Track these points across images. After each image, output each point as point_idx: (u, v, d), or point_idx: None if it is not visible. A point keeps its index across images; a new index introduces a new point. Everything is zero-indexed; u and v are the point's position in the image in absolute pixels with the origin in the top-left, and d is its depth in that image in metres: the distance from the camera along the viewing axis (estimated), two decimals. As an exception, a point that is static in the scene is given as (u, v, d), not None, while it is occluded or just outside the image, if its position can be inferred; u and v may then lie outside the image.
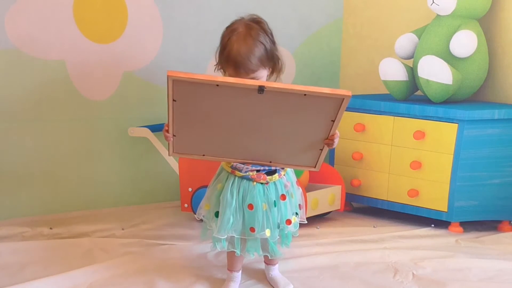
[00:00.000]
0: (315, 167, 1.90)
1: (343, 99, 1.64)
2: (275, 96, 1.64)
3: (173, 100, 1.67)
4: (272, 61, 1.86)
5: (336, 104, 1.66)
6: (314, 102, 1.66)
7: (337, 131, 1.78)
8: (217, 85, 1.61)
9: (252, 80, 1.69)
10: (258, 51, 1.80)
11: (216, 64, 1.90)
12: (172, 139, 1.80)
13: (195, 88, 1.62)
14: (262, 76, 1.84)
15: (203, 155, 1.85)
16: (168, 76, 1.61)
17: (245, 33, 1.81)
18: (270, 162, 1.87)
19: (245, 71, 1.79)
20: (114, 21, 2.77)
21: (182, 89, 1.64)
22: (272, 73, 1.89)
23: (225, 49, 1.82)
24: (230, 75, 1.82)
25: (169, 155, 1.88)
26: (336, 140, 1.79)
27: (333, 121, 1.72)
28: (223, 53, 1.83)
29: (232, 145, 1.81)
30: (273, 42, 1.86)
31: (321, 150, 1.83)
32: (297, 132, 1.77)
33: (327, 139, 1.78)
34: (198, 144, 1.82)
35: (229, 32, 1.84)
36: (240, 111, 1.70)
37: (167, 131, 1.79)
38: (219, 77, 1.64)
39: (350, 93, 1.63)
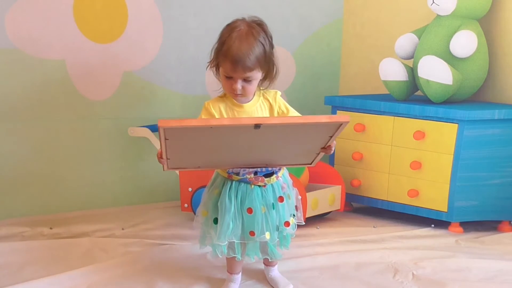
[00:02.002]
0: (311, 163, 1.91)
1: (341, 124, 1.64)
2: (272, 128, 1.61)
3: (166, 139, 1.62)
4: (268, 65, 1.85)
5: (334, 127, 1.67)
6: (313, 128, 1.65)
7: (334, 141, 1.79)
8: (211, 127, 1.57)
9: (246, 118, 1.67)
10: (258, 50, 1.79)
11: (210, 61, 1.87)
12: (165, 163, 1.76)
13: (188, 131, 1.58)
14: (256, 78, 1.82)
15: (198, 167, 1.84)
16: (159, 126, 1.54)
17: (247, 31, 1.80)
18: (266, 164, 1.87)
19: (242, 68, 1.77)
20: (114, 21, 2.77)
21: (175, 133, 1.59)
22: (265, 78, 1.87)
23: (224, 44, 1.80)
24: (225, 71, 1.80)
25: (164, 170, 1.83)
26: (333, 148, 1.81)
27: (331, 136, 1.72)
28: (222, 49, 1.81)
29: (228, 160, 1.81)
30: (271, 46, 1.86)
31: (318, 154, 1.85)
32: (295, 147, 1.78)
33: (323, 148, 1.80)
34: (193, 161, 1.81)
35: (230, 29, 1.82)
36: (236, 142, 1.68)
37: (161, 156, 1.73)
38: (212, 119, 1.62)
39: (348, 119, 1.62)
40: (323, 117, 1.61)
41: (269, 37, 1.85)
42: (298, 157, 1.87)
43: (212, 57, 1.87)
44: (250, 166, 1.85)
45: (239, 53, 1.76)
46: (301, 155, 1.86)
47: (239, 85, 1.80)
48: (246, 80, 1.81)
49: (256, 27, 1.83)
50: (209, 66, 1.88)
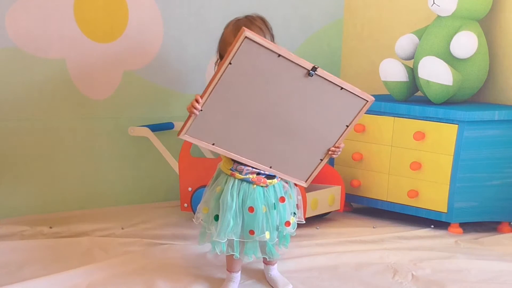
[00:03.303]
0: (306, 181, 1.96)
1: (367, 102, 1.84)
2: (317, 83, 1.76)
3: (229, 63, 1.69)
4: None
5: (358, 107, 1.84)
6: (344, 98, 1.81)
7: (343, 143, 1.89)
8: (279, 56, 1.69)
9: (307, 61, 1.75)
10: (257, 32, 1.84)
11: (217, 59, 1.93)
12: (197, 112, 1.74)
13: (257, 53, 1.68)
14: None
15: (213, 144, 1.82)
16: (243, 29, 1.65)
17: (246, 19, 1.89)
18: (271, 167, 1.88)
19: (255, 25, 1.84)
20: (114, 20, 2.77)
21: (246, 52, 1.68)
22: None
23: (228, 27, 1.88)
24: (227, 44, 1.82)
25: (178, 136, 1.80)
26: (340, 151, 1.90)
27: (347, 126, 1.85)
28: (225, 31, 1.88)
29: (246, 140, 1.83)
30: (272, 36, 1.91)
31: (321, 160, 1.90)
32: (314, 131, 1.85)
33: (333, 147, 1.89)
34: (214, 130, 1.80)
35: (232, 21, 1.91)
36: (280, 92, 1.76)
37: (197, 101, 1.73)
38: (283, 48, 1.71)
39: (373, 99, 1.85)
40: (357, 89, 1.82)
41: (269, 28, 1.91)
42: (300, 167, 1.92)
43: (217, 58, 1.93)
44: (256, 163, 1.85)
45: (249, 24, 1.84)
46: (306, 161, 1.91)
47: None
48: None
49: (255, 18, 1.90)
50: (216, 65, 1.92)
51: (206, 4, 2.96)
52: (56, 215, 2.73)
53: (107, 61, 2.79)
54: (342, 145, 1.90)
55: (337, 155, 1.90)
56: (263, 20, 1.92)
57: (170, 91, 2.94)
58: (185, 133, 1.79)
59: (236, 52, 1.67)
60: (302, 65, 1.72)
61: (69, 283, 1.99)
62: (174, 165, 2.74)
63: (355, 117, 1.85)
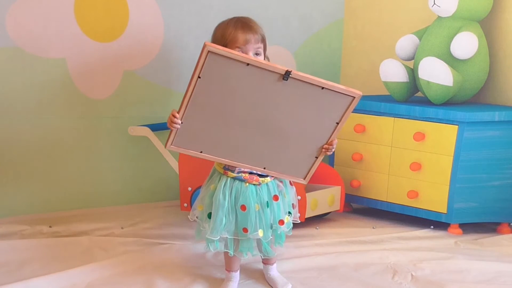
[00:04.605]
0: (304, 178, 1.93)
1: (354, 98, 1.74)
2: (295, 86, 1.70)
3: (198, 77, 1.68)
4: (265, 49, 1.92)
5: (345, 103, 1.76)
6: (328, 97, 1.74)
7: (336, 139, 1.84)
8: (247, 65, 1.65)
9: (280, 65, 1.70)
10: (259, 29, 1.88)
11: None
12: (178, 126, 1.75)
13: (225, 65, 1.65)
14: (261, 54, 1.88)
15: (201, 151, 1.82)
16: (205, 45, 1.62)
17: (244, 17, 1.90)
18: (264, 168, 1.87)
19: (255, 32, 1.85)
20: (115, 20, 2.77)
21: (212, 65, 1.65)
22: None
23: (227, 28, 1.87)
24: (236, 41, 1.83)
25: (165, 147, 1.83)
26: (334, 147, 1.85)
27: (338, 123, 1.79)
28: (226, 32, 1.86)
29: (234, 144, 1.81)
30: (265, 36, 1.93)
31: (316, 158, 1.87)
32: (302, 131, 1.81)
33: (325, 144, 1.84)
34: (200, 138, 1.80)
35: (224, 21, 1.91)
36: (257, 99, 1.73)
37: (175, 116, 1.74)
38: (251, 56, 1.68)
39: (360, 94, 1.74)
40: (341, 86, 1.73)
41: (261, 28, 1.92)
42: (296, 165, 1.89)
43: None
44: (249, 166, 1.85)
45: (249, 22, 1.86)
46: (301, 159, 1.87)
47: (251, 53, 1.84)
48: (257, 54, 1.86)
49: (247, 18, 1.91)
50: None
51: (206, 4, 2.96)
52: (56, 215, 2.74)
53: (108, 60, 2.79)
54: (335, 141, 1.85)
55: (331, 152, 1.86)
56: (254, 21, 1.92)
57: (170, 91, 2.94)
58: (171, 144, 1.81)
59: (202, 66, 1.65)
60: (274, 70, 1.67)
61: (68, 282, 2.00)
62: (174, 164, 2.74)
63: (343, 114, 1.79)
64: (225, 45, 1.83)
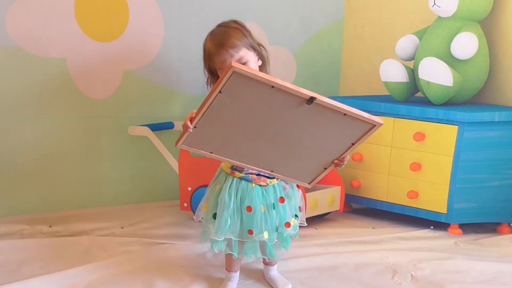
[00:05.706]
0: (309, 183, 1.92)
1: (374, 126, 1.71)
2: (317, 110, 1.66)
3: (219, 92, 1.62)
4: (254, 46, 1.89)
5: (365, 129, 1.72)
6: (349, 122, 1.70)
7: (348, 156, 1.80)
8: (272, 87, 1.61)
9: (305, 90, 1.66)
10: (234, 32, 1.85)
11: (207, 79, 1.95)
12: (191, 131, 1.71)
13: (249, 84, 1.60)
14: (250, 60, 1.86)
15: (211, 152, 1.80)
16: (232, 66, 1.55)
17: (219, 28, 1.90)
18: (272, 171, 1.86)
19: (228, 47, 1.82)
20: (115, 19, 2.77)
21: (236, 83, 1.60)
22: (262, 62, 1.93)
23: (205, 46, 1.88)
24: (218, 64, 1.84)
25: (176, 146, 1.79)
26: (345, 163, 1.81)
27: (353, 144, 1.77)
28: (205, 52, 1.88)
29: (246, 150, 1.79)
30: (250, 36, 1.90)
31: (325, 169, 1.86)
32: (317, 149, 1.79)
33: (337, 159, 1.80)
34: (212, 142, 1.78)
35: (208, 35, 1.91)
36: (276, 119, 1.69)
37: (190, 120, 1.70)
38: (276, 79, 1.64)
39: (382, 122, 1.70)
40: (364, 113, 1.68)
41: (246, 28, 1.90)
42: (304, 172, 1.88)
43: (207, 76, 1.94)
44: (256, 168, 1.84)
45: (219, 36, 1.85)
46: (309, 169, 1.86)
47: None
48: (244, 64, 1.83)
49: (231, 25, 1.90)
50: (208, 84, 1.94)
51: (207, 4, 2.96)
52: (56, 214, 2.73)
53: (108, 60, 2.79)
54: (347, 158, 1.81)
55: (340, 168, 1.83)
56: (238, 23, 1.91)
57: (170, 91, 2.94)
58: (182, 144, 1.79)
59: (225, 83, 1.61)
60: (299, 95, 1.63)
61: (68, 282, 2.00)
62: (174, 164, 2.74)
63: (361, 137, 1.76)
64: (208, 61, 1.86)
